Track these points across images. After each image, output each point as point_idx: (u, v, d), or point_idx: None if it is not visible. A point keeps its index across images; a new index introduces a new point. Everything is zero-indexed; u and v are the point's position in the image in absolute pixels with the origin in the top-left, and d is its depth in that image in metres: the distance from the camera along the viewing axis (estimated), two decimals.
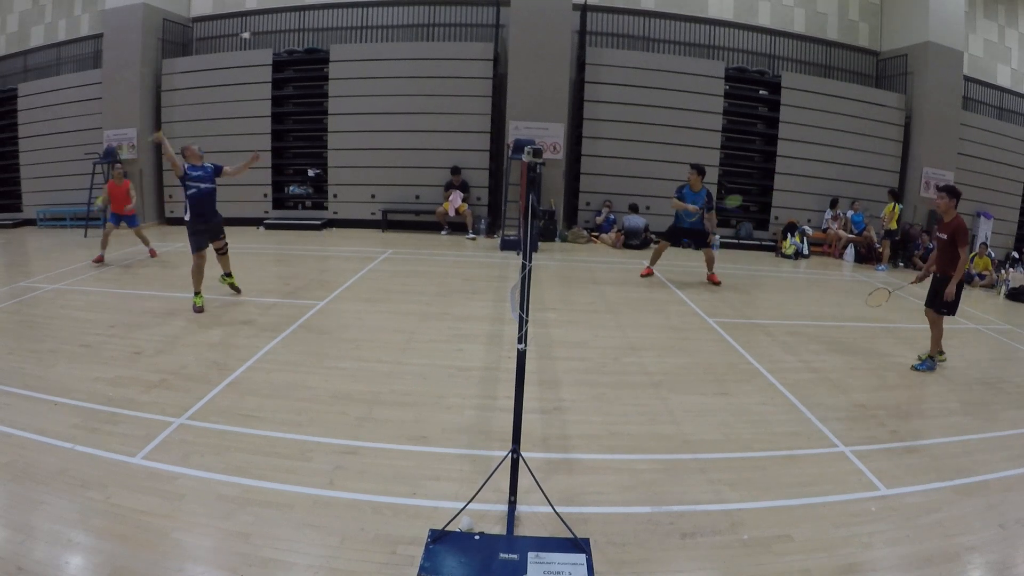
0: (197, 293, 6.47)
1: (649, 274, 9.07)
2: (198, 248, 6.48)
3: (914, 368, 5.67)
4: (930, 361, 5.73)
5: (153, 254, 9.20)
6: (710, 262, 8.91)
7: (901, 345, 6.38)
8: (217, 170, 6.59)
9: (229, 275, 7.07)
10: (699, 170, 8.67)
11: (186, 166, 6.44)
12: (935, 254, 5.83)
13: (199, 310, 6.36)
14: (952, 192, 5.65)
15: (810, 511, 3.19)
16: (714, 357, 5.61)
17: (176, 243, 10.84)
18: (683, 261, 10.91)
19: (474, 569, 2.57)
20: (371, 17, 13.27)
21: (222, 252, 6.90)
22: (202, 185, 6.44)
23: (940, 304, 5.66)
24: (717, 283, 8.79)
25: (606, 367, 5.19)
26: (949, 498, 3.40)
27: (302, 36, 13.44)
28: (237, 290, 7.05)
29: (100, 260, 8.76)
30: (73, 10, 14.42)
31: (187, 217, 6.44)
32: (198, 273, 6.48)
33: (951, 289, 5.50)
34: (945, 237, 5.61)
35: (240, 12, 13.64)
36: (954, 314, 5.75)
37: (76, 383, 4.41)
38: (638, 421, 4.18)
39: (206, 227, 6.55)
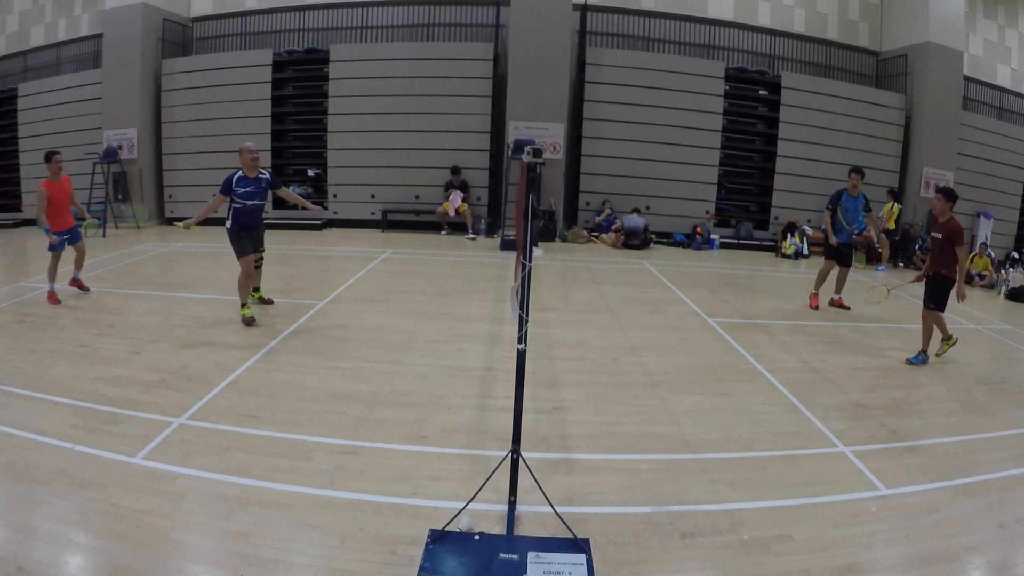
0: (244, 304, 6.01)
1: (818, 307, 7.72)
2: (242, 253, 5.99)
3: (908, 361, 5.81)
4: (923, 355, 5.84)
5: (78, 285, 7.02)
6: (841, 282, 7.86)
7: (901, 345, 6.38)
8: (273, 185, 6.10)
9: (258, 289, 6.65)
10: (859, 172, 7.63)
11: (236, 176, 5.87)
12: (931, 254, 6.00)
13: (249, 322, 5.89)
14: (949, 195, 5.83)
15: (810, 511, 3.19)
16: (714, 357, 5.61)
17: (176, 243, 10.84)
18: (683, 261, 10.92)
19: (474, 569, 2.57)
20: (371, 17, 13.28)
21: (256, 265, 6.44)
22: (250, 202, 5.95)
23: (929, 300, 5.87)
24: (846, 308, 7.76)
25: (606, 367, 5.19)
26: (949, 498, 3.40)
27: (302, 36, 13.45)
28: (269, 301, 6.65)
29: (54, 298, 6.59)
30: (73, 10, 14.42)
31: (229, 225, 5.98)
32: (246, 282, 6.01)
33: (961, 290, 5.79)
34: (940, 237, 5.80)
35: (240, 12, 13.64)
36: (943, 310, 5.89)
37: (76, 383, 4.41)
38: (638, 421, 4.18)
39: (249, 235, 6.09)
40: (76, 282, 7.10)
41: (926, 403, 4.86)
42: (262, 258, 6.50)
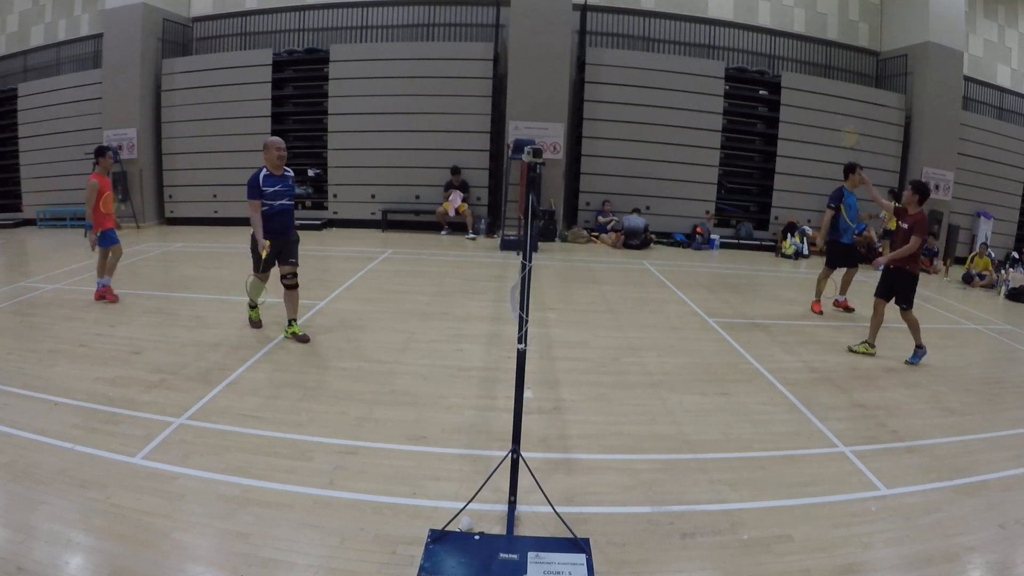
0: (253, 307, 5.65)
1: (821, 311, 7.51)
2: (260, 269, 5.47)
3: (907, 362, 5.77)
4: (920, 352, 5.79)
5: (106, 293, 6.63)
6: (846, 283, 7.76)
7: (901, 345, 6.38)
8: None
9: (293, 321, 5.55)
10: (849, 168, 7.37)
11: (261, 174, 5.19)
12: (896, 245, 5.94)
13: (256, 325, 5.66)
14: (916, 187, 5.82)
15: (810, 511, 3.19)
16: (714, 357, 5.61)
17: (176, 243, 10.84)
18: (683, 261, 10.93)
19: (474, 569, 2.57)
20: (371, 17, 13.28)
21: (290, 285, 5.45)
22: (277, 203, 5.26)
23: (901, 299, 5.81)
24: (850, 310, 7.66)
25: (606, 367, 5.19)
26: (949, 498, 3.39)
27: (302, 36, 13.45)
28: (303, 339, 5.48)
29: (111, 295, 6.65)
30: (73, 10, 14.42)
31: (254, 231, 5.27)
32: (255, 289, 5.63)
33: (878, 261, 5.90)
34: (906, 228, 5.76)
35: (240, 12, 13.65)
36: (911, 306, 5.81)
37: (76, 383, 4.41)
38: (638, 421, 4.18)
39: (275, 241, 5.29)
40: (104, 288, 6.63)
41: (926, 403, 4.85)
42: (295, 273, 5.49)
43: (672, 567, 2.73)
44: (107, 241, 6.68)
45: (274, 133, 12.74)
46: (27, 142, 13.86)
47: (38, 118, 13.69)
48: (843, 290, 7.83)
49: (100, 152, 6.74)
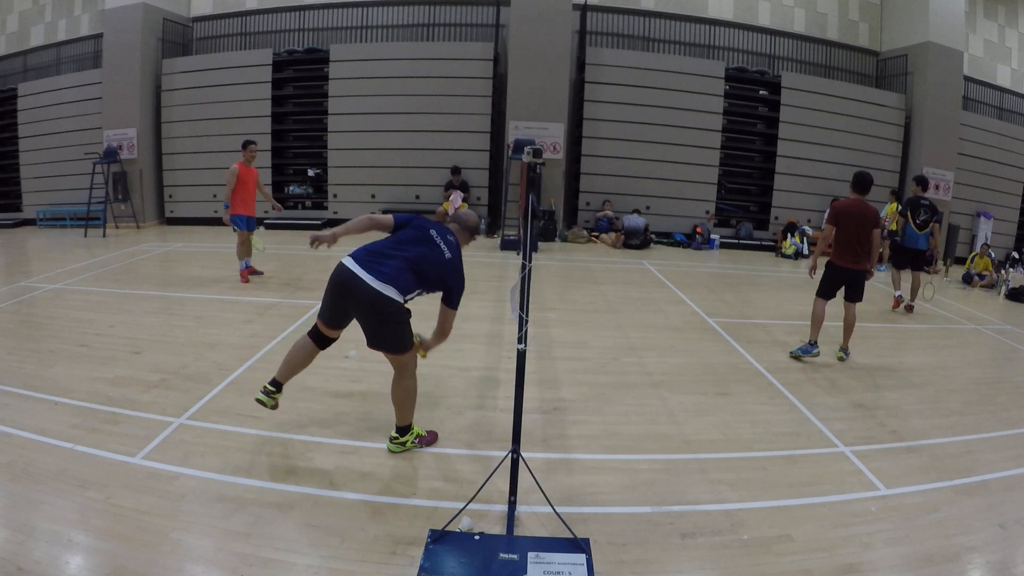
0: (411, 427, 3.67)
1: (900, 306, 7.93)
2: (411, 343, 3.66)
3: (792, 354, 5.67)
4: (807, 347, 5.63)
5: (252, 272, 7.79)
6: (915, 289, 8.06)
7: (901, 344, 6.38)
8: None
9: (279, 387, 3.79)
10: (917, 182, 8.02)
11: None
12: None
13: (430, 440, 3.69)
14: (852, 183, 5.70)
15: (810, 511, 3.19)
16: (714, 357, 5.61)
17: (176, 243, 10.84)
18: (683, 261, 10.93)
19: (474, 569, 2.57)
20: (371, 17, 13.28)
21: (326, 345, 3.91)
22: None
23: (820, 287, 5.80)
24: (901, 310, 7.88)
25: (606, 367, 5.19)
26: (949, 498, 3.39)
27: (302, 36, 13.45)
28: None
29: (244, 277, 7.68)
30: (73, 10, 14.42)
31: (407, 303, 3.56)
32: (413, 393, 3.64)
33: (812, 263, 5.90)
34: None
35: (240, 12, 13.65)
36: (824, 297, 5.71)
37: (76, 383, 4.41)
38: (638, 421, 4.18)
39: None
40: (248, 269, 7.72)
41: (926, 403, 4.85)
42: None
43: (672, 567, 2.73)
44: (239, 224, 7.59)
45: (274, 133, 12.78)
46: (27, 142, 13.85)
47: (38, 118, 13.68)
48: (913, 295, 8.06)
49: (243, 145, 7.78)
